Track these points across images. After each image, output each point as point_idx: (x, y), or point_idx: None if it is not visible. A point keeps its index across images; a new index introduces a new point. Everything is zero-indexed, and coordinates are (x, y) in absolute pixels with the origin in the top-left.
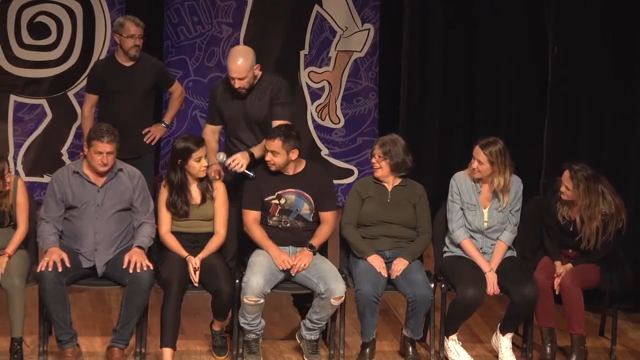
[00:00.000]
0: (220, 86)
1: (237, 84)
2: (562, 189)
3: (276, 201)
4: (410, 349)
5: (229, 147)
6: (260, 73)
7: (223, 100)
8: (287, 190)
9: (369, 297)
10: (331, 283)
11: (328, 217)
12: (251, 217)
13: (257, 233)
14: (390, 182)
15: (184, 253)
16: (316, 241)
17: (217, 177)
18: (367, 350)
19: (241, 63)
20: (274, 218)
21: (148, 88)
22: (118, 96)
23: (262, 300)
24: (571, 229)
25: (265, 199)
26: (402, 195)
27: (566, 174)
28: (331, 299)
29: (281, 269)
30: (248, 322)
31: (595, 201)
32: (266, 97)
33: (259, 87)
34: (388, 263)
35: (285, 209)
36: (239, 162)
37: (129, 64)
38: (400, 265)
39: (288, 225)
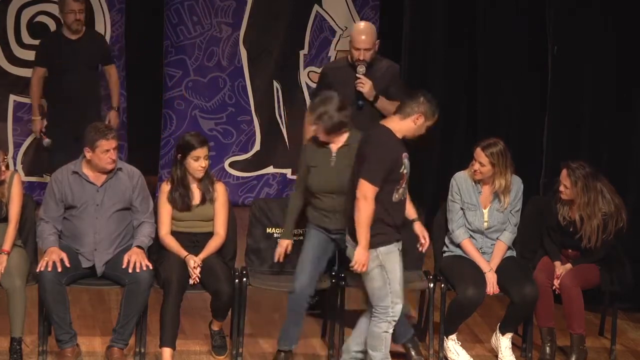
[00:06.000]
0: (331, 72)
1: (362, 56)
2: (561, 187)
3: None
4: (413, 352)
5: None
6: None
7: (341, 80)
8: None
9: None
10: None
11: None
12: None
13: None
14: (335, 144)
15: (183, 253)
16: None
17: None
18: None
19: (368, 34)
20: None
21: (95, 61)
22: (65, 69)
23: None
24: (571, 229)
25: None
26: (348, 158)
27: (564, 172)
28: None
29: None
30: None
31: (594, 199)
32: (384, 78)
33: (376, 67)
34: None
35: None
36: (365, 84)
37: (74, 37)
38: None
39: None
